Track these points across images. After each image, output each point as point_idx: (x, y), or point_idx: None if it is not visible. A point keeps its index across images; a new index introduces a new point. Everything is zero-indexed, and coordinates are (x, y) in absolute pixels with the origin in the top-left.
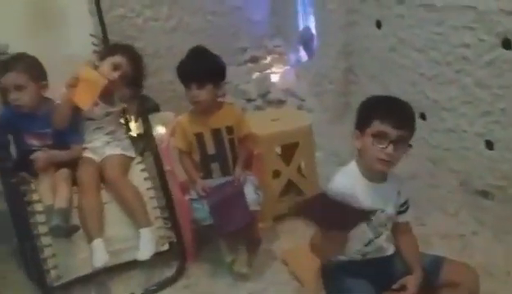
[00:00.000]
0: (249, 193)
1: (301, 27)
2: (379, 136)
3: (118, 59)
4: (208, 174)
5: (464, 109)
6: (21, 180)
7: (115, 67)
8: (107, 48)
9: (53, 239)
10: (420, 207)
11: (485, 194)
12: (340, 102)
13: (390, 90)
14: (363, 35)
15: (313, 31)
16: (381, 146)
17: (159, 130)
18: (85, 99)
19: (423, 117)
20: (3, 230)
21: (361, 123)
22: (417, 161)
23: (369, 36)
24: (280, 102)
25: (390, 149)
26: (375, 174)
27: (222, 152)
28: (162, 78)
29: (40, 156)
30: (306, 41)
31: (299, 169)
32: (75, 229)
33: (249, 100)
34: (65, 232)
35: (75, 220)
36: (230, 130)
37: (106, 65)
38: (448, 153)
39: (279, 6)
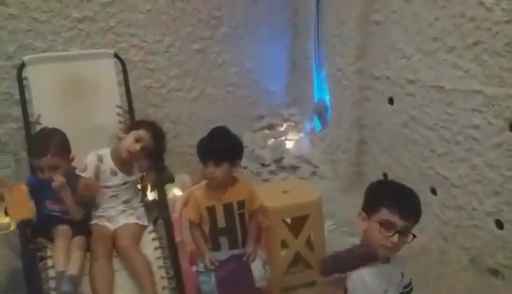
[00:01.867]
0: (257, 268)
1: (316, 98)
2: (386, 225)
3: (141, 133)
4: (216, 247)
5: (473, 187)
6: (39, 246)
7: (137, 140)
8: (133, 123)
9: None
10: (429, 285)
11: (495, 273)
12: (353, 171)
13: (402, 163)
14: (376, 110)
15: (327, 103)
16: (387, 234)
17: (176, 192)
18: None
19: (434, 192)
20: (16, 288)
21: (369, 207)
22: (429, 236)
23: (381, 111)
24: (294, 168)
25: (395, 238)
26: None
27: (231, 226)
28: (182, 143)
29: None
30: (320, 112)
31: (308, 241)
32: None
33: (264, 165)
34: None
35: (85, 287)
36: (241, 204)
37: (130, 138)
38: (459, 229)
39: (296, 78)
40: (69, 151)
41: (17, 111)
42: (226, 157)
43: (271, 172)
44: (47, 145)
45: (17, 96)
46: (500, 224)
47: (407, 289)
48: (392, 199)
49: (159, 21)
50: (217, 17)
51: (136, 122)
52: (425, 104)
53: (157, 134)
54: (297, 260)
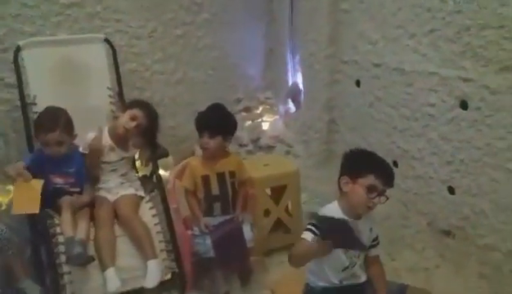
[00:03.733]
0: (247, 231)
1: (290, 82)
2: (371, 189)
3: (135, 112)
4: (210, 212)
5: (430, 158)
6: (47, 216)
7: (132, 118)
8: (129, 102)
9: (71, 268)
10: (392, 244)
11: (448, 233)
12: (324, 149)
13: (368, 140)
14: (344, 92)
15: (301, 86)
16: (370, 197)
17: (160, 172)
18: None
19: (395, 164)
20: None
21: (354, 172)
22: (391, 203)
23: (349, 93)
24: (270, 148)
25: (377, 199)
26: (354, 213)
27: (224, 193)
28: (165, 124)
29: (67, 200)
30: (294, 95)
31: (287, 209)
32: (91, 259)
33: (242, 146)
34: (84, 260)
35: (91, 252)
36: (232, 174)
37: (126, 116)
38: (417, 197)
39: (271, 63)
40: (73, 128)
41: (7, 94)
42: (219, 130)
43: (249, 152)
44: (56, 122)
45: (7, 80)
46: (452, 190)
47: (375, 242)
48: (378, 167)
49: (143, 7)
50: (197, 3)
51: (132, 102)
52: (389, 86)
53: (151, 113)
54: (277, 225)
